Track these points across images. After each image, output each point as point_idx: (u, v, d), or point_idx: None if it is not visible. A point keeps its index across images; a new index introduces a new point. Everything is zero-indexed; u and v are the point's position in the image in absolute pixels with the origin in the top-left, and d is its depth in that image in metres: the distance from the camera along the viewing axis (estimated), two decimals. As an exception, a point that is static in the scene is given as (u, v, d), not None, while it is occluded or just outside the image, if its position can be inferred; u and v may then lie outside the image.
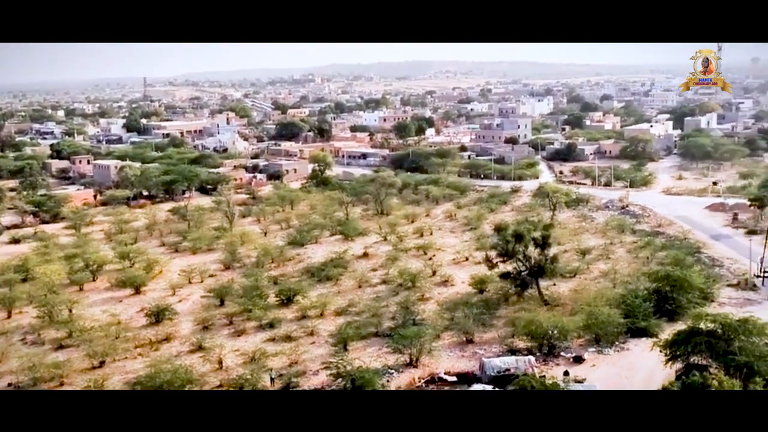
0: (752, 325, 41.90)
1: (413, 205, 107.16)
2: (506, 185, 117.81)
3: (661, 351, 44.23)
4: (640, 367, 47.70)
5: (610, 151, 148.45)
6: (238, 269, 77.43)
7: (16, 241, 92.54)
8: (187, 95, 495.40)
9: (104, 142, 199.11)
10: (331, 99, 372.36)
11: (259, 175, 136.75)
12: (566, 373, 46.28)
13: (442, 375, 48.23)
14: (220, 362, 51.57)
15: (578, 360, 49.60)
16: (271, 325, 58.99)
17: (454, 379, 47.73)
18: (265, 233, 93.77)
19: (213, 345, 53.99)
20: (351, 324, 56.73)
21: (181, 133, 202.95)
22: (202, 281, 72.97)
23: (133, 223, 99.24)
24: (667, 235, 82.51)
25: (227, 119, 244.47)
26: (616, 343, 51.74)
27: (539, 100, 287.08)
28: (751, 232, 78.18)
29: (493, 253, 66.00)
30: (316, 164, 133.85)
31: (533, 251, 63.31)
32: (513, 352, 51.21)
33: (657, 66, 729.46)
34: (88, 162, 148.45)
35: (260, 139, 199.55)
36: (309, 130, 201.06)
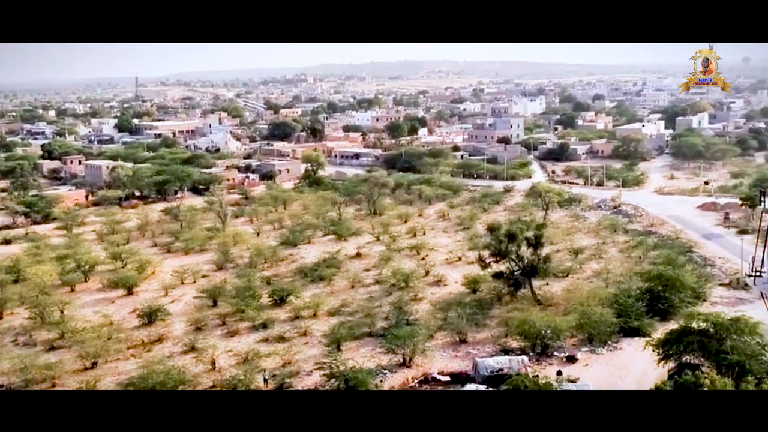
0: (744, 324, 42.10)
1: (406, 205, 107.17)
2: (499, 185, 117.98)
3: (653, 350, 44.41)
4: (633, 366, 47.87)
5: (602, 151, 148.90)
6: (230, 270, 77.24)
7: (7, 242, 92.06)
8: (179, 95, 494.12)
9: (96, 143, 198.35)
10: (324, 99, 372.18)
11: (251, 175, 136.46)
12: (559, 373, 46.37)
13: (435, 375, 48.24)
14: (213, 363, 51.43)
15: (571, 359, 49.72)
16: (264, 326, 58.88)
17: (448, 379, 47.75)
18: (258, 233, 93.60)
19: (206, 346, 53.82)
20: (344, 324, 56.69)
21: (173, 133, 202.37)
22: (194, 282, 72.76)
23: (125, 224, 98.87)
24: (659, 234, 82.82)
25: (219, 119, 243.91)
26: (609, 342, 51.88)
27: (531, 100, 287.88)
28: (743, 232, 78.50)
29: (486, 253, 66.10)
30: (309, 164, 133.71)
31: (526, 251, 63.42)
32: (506, 351, 51.29)
33: (649, 66, 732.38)
34: (80, 162, 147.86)
35: (253, 139, 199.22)
36: (301, 130, 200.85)
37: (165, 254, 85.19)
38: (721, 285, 64.12)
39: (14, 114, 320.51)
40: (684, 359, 42.43)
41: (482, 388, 44.13)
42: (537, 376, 44.09)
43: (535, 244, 63.12)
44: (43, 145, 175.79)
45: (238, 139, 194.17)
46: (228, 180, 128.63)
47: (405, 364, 50.15)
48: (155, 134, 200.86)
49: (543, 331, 51.03)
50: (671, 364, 43.17)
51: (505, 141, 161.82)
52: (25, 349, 55.76)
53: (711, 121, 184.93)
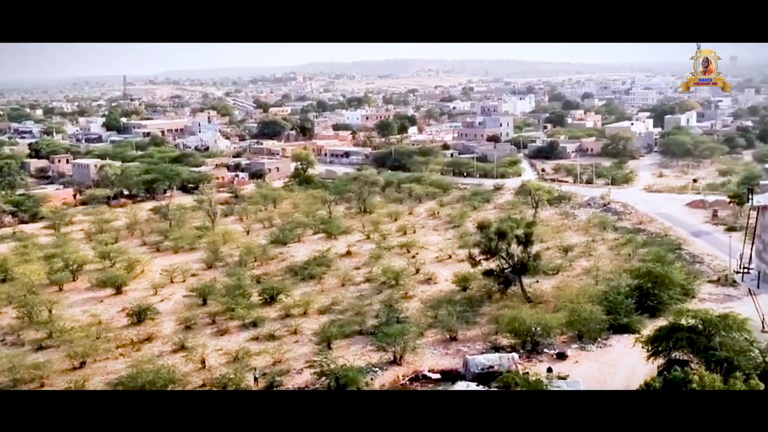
0: (732, 320, 42.35)
1: (396, 203, 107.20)
2: (489, 183, 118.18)
3: (643, 347, 44.59)
4: (623, 363, 48.06)
5: (591, 149, 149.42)
6: (220, 268, 76.98)
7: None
8: (167, 93, 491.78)
9: (84, 141, 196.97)
10: (314, 97, 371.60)
11: (241, 174, 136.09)
12: (549, 370, 46.47)
13: (426, 372, 48.26)
14: (203, 362, 51.23)
15: (561, 356, 49.87)
16: (254, 324, 58.71)
17: (438, 376, 47.79)
18: (248, 232, 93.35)
19: (196, 344, 53.59)
20: (334, 322, 56.63)
21: (162, 132, 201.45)
22: (184, 280, 72.46)
23: (114, 223, 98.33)
24: (648, 232, 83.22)
25: (209, 118, 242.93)
26: (599, 339, 52.07)
27: (521, 99, 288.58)
28: (731, 229, 79.03)
29: (476, 251, 66.21)
30: (299, 163, 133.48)
31: (516, 249, 63.55)
32: (496, 349, 51.38)
33: (637, 64, 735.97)
34: (68, 161, 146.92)
35: (242, 138, 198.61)
36: (291, 129, 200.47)
37: (154, 253, 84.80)
38: (709, 282, 64.50)
39: (1, 113, 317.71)
40: (673, 356, 42.62)
41: (473, 385, 44.17)
42: (527, 373, 44.19)
43: (525, 241, 63.26)
44: (30, 144, 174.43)
45: (228, 138, 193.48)
46: (217, 179, 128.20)
47: (395, 361, 50.15)
48: (144, 133, 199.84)
49: (533, 329, 51.16)
50: (660, 361, 43.35)
51: (494, 139, 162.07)
52: (13, 349, 55.33)
53: (699, 120, 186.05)
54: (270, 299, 64.23)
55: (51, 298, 65.17)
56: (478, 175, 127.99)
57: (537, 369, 46.86)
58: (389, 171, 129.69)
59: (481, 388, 42.88)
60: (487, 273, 63.86)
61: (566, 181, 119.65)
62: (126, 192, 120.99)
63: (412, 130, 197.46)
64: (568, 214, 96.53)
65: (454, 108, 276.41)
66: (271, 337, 55.92)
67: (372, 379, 47.81)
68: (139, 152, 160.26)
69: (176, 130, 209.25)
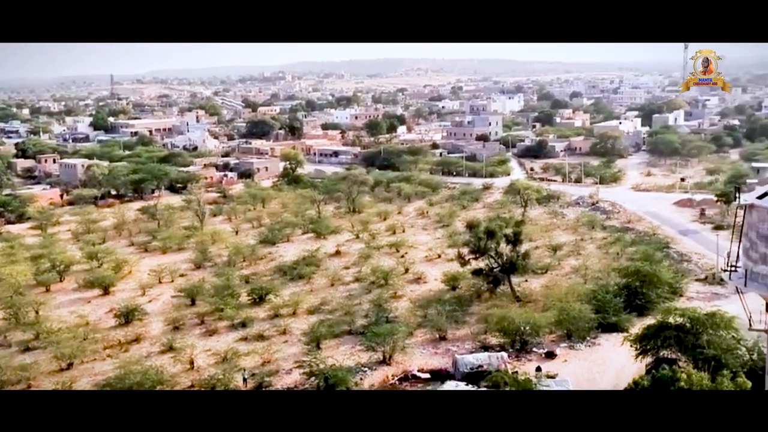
0: (720, 318, 42.64)
1: (385, 202, 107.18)
2: (478, 182, 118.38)
3: (631, 345, 44.81)
4: (611, 361, 48.25)
5: (580, 148, 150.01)
6: (209, 268, 76.67)
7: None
8: (155, 93, 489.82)
9: (71, 141, 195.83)
10: (302, 97, 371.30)
11: (229, 174, 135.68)
12: (538, 369, 46.59)
13: (415, 372, 48.25)
14: (192, 362, 51.00)
15: (550, 355, 49.99)
16: (243, 325, 58.51)
17: (428, 376, 47.78)
18: (237, 232, 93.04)
19: (184, 345, 53.34)
20: (324, 322, 56.53)
21: (150, 132, 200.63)
22: (172, 281, 72.12)
23: (101, 223, 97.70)
24: (636, 230, 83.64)
25: (197, 117, 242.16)
26: (588, 338, 52.26)
27: (510, 98, 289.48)
28: (718, 228, 79.53)
29: (465, 250, 66.26)
30: (288, 162, 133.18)
31: (505, 248, 63.66)
32: (486, 348, 51.45)
33: (626, 64, 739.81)
34: (54, 161, 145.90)
35: (231, 138, 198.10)
36: (280, 128, 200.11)
37: (142, 253, 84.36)
38: (697, 280, 64.88)
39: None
40: (661, 354, 42.85)
41: (462, 384, 44.18)
42: (516, 372, 44.26)
43: (514, 241, 63.38)
44: (16, 144, 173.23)
45: (216, 138, 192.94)
46: (206, 178, 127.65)
47: (385, 361, 50.11)
48: (131, 132, 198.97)
49: (522, 328, 51.26)
50: (649, 359, 43.57)
51: (483, 138, 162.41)
52: (-1, 351, 54.93)
53: (687, 119, 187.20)
54: (259, 299, 64.04)
55: (38, 299, 64.73)
56: (467, 175, 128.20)
57: (526, 368, 46.96)
58: (378, 170, 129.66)
59: (470, 387, 42.91)
60: (476, 272, 63.93)
61: (555, 180, 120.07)
62: (113, 192, 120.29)
63: (402, 129, 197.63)
64: (556, 213, 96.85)
65: (443, 107, 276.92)
66: (260, 337, 55.76)
67: (361, 379, 47.75)
68: (127, 152, 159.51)
69: (164, 130, 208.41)
